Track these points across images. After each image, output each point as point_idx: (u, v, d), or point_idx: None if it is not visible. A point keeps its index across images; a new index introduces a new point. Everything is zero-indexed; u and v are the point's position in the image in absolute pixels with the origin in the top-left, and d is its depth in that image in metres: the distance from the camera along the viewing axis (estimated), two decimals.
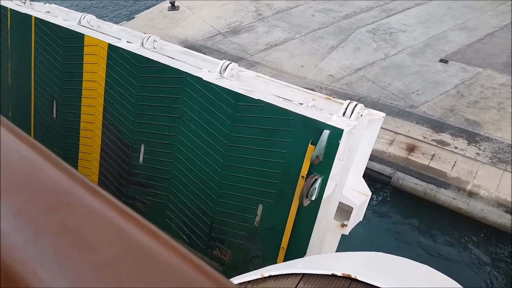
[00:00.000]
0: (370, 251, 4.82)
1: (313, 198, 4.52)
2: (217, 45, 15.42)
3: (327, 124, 4.31)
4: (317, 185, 4.47)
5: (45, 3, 7.39)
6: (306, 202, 4.50)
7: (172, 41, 15.38)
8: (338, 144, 4.27)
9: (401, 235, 10.44)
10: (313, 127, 4.40)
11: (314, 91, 13.06)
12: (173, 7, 17.24)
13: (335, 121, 4.40)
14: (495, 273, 9.61)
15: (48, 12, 7.00)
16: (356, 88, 13.32)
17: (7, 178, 0.68)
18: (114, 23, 13.73)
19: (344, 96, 12.80)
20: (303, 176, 4.58)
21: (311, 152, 4.40)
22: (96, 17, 6.66)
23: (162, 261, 0.59)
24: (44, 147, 0.73)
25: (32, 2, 7.28)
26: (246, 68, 13.78)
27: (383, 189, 11.25)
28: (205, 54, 14.66)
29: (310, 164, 4.47)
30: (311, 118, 4.41)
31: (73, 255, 0.59)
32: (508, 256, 9.88)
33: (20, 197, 0.66)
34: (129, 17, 17.55)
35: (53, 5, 7.40)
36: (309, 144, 4.45)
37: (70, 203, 0.65)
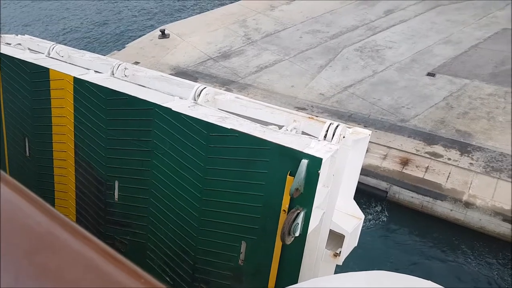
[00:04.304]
0: (372, 270, 4.19)
1: (296, 234, 3.82)
2: (209, 70, 14.87)
3: (305, 153, 3.62)
4: (300, 219, 3.76)
5: (17, 35, 6.72)
6: (289, 240, 3.79)
7: (164, 68, 14.86)
8: (318, 174, 3.59)
9: (402, 251, 9.79)
10: (290, 157, 3.70)
11: (306, 109, 12.60)
12: (163, 35, 16.75)
13: (314, 148, 3.70)
14: (497, 282, 8.96)
15: (19, 44, 6.35)
16: (346, 105, 12.73)
17: None
18: (103, 54, 13.19)
19: (335, 113, 12.24)
20: (284, 210, 3.87)
21: (290, 183, 3.72)
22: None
23: None
24: (26, 188, 0.71)
25: (3, 35, 6.61)
26: (238, 91, 13.29)
27: (380, 203, 10.62)
28: (197, 79, 14.16)
29: (290, 197, 3.78)
30: (287, 147, 3.72)
31: None
32: (509, 264, 9.24)
33: (2, 241, 0.62)
34: (121, 47, 17.03)
35: (26, 36, 6.72)
36: (288, 175, 3.77)
37: (51, 245, 0.63)
